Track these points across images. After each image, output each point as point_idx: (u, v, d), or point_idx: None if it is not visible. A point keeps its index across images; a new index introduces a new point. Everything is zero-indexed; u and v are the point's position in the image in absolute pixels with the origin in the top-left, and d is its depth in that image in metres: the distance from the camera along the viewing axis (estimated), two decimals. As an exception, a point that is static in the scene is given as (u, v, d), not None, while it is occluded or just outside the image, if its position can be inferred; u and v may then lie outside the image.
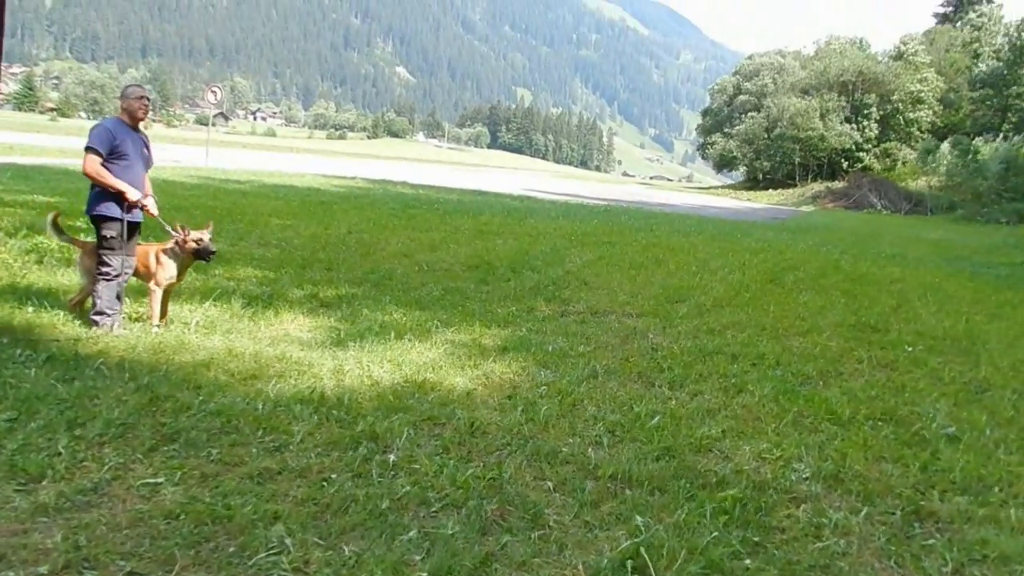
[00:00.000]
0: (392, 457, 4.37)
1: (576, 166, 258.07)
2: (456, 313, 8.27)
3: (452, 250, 12.67)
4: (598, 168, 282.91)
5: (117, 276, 6.49)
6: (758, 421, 5.55)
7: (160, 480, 3.89)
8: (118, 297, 6.53)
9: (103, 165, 6.32)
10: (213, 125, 37.86)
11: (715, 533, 3.75)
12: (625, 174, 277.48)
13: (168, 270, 6.81)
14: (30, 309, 6.71)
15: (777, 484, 4.44)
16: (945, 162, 59.30)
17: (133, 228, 6.63)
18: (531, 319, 8.28)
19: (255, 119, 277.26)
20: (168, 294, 6.97)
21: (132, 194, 6.40)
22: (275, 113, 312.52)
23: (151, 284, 6.81)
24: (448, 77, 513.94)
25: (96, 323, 6.38)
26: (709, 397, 6.01)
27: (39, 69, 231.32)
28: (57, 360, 5.47)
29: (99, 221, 6.43)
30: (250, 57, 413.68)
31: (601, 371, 6.44)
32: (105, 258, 6.46)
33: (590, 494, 4.12)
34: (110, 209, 6.41)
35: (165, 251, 6.81)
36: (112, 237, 6.44)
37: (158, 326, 6.66)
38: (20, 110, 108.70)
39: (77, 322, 6.53)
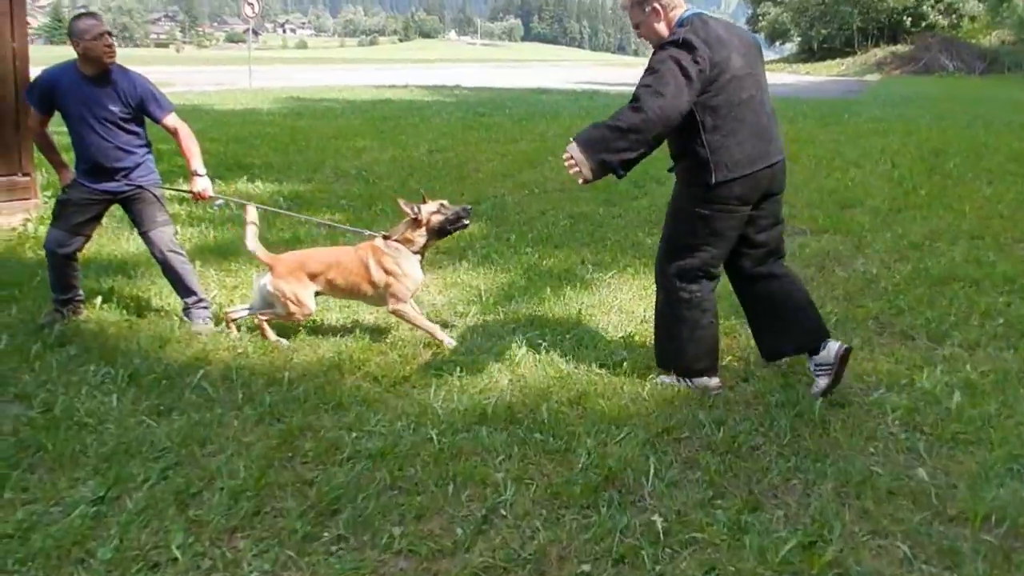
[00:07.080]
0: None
1: (613, 52, 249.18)
2: (598, 248, 6.80)
3: (554, 164, 11.05)
4: (636, 53, 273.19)
5: (50, 251, 4.79)
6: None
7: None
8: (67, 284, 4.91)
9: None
10: (252, 41, 36.01)
11: None
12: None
13: (410, 276, 4.52)
14: (98, 299, 5.14)
15: None
16: (1019, 12, 54.66)
17: (126, 201, 4.82)
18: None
19: (283, 31, 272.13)
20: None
21: (63, 177, 4.85)
22: (304, 23, 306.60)
23: (390, 306, 4.54)
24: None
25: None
26: (993, 351, 4.49)
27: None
28: (142, 377, 4.10)
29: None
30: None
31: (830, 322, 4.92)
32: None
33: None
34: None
35: (389, 249, 4.51)
36: (58, 201, 4.86)
37: (450, 340, 4.53)
38: (52, 43, 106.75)
39: (169, 313, 5.18)
